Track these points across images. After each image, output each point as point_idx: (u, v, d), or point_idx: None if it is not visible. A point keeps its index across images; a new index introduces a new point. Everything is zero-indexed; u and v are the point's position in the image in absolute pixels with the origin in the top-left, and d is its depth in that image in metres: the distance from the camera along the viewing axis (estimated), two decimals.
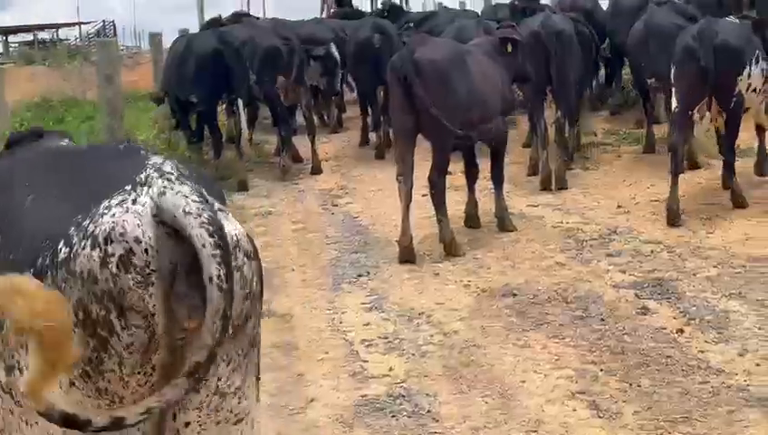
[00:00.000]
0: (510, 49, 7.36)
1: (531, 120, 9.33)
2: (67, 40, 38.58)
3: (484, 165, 7.62)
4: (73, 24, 42.22)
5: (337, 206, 9.00)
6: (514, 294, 5.82)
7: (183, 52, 9.92)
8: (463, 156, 7.54)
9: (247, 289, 1.94)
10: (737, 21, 7.95)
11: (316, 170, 10.60)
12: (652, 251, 6.51)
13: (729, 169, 7.59)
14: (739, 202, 7.44)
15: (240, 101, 9.84)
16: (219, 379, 1.94)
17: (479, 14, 14.55)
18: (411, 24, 13.15)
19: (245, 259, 1.93)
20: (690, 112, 7.38)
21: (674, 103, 7.52)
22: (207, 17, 17.32)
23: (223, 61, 9.63)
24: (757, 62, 7.41)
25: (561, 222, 7.59)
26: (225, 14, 15.25)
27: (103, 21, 42.80)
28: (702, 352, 4.67)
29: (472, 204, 7.61)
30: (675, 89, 7.50)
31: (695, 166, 9.02)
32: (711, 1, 10.63)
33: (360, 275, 6.53)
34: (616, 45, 11.48)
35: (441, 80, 6.56)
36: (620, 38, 10.80)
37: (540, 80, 8.34)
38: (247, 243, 1.95)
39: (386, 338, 5.23)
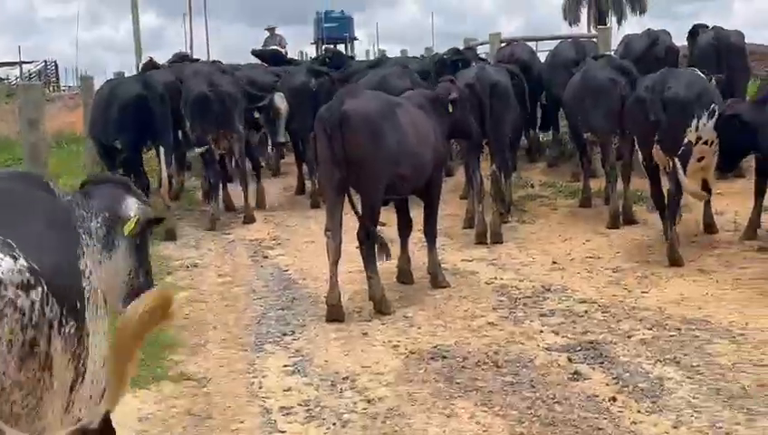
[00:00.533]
0: (451, 109, 7.17)
1: (467, 172, 9.18)
2: (7, 79, 37.78)
3: (420, 217, 7.41)
4: (14, 64, 41.37)
5: (267, 258, 8.70)
6: (444, 357, 5.57)
7: (107, 96, 9.67)
8: (395, 209, 7.33)
9: (27, 319, 2.04)
10: (698, 73, 8.00)
11: (249, 220, 10.32)
12: (586, 311, 6.33)
13: (672, 219, 7.50)
14: (675, 258, 7.34)
15: (162, 148, 9.51)
16: (14, 402, 2.05)
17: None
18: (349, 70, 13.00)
19: (18, 292, 2.04)
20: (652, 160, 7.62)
21: (640, 157, 7.88)
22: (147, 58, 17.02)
23: (146, 106, 9.35)
24: (712, 115, 7.39)
25: (495, 278, 7.40)
26: (166, 55, 15.15)
27: (45, 61, 42.05)
28: (635, 423, 4.46)
29: (404, 259, 7.39)
30: (635, 138, 7.96)
31: (630, 221, 8.96)
32: (648, 56, 10.68)
33: (284, 335, 6.24)
34: (553, 97, 11.47)
35: (370, 132, 6.36)
36: (557, 90, 10.79)
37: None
38: (18, 274, 2.05)
39: (306, 405, 4.93)
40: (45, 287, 2.11)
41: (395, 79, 10.39)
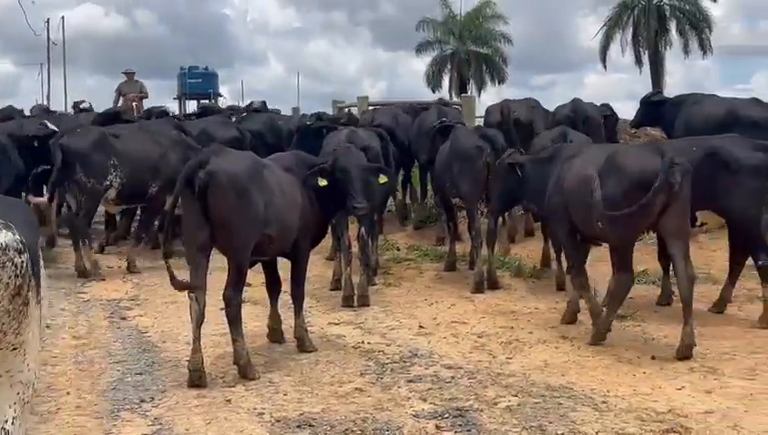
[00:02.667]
0: (323, 182, 6.98)
1: (333, 234, 9.13)
2: None
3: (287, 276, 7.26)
4: None
5: (125, 319, 8.34)
6: (311, 425, 5.42)
7: None
8: (264, 270, 7.19)
9: (18, 271, 2.97)
10: None
11: (81, 274, 10.09)
12: (453, 377, 6.32)
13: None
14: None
15: None
16: (3, 323, 2.99)
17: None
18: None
19: (15, 254, 2.96)
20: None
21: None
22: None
23: None
24: None
25: (362, 342, 7.32)
26: (21, 103, 14.95)
27: None
28: None
29: (275, 318, 7.26)
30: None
31: (495, 286, 9.10)
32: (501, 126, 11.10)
33: (142, 401, 5.94)
34: (419, 162, 11.65)
35: (237, 192, 6.21)
36: (423, 155, 10.96)
37: None
38: (17, 242, 2.98)
39: None
40: (27, 254, 3.03)
41: (218, 129, 10.62)
